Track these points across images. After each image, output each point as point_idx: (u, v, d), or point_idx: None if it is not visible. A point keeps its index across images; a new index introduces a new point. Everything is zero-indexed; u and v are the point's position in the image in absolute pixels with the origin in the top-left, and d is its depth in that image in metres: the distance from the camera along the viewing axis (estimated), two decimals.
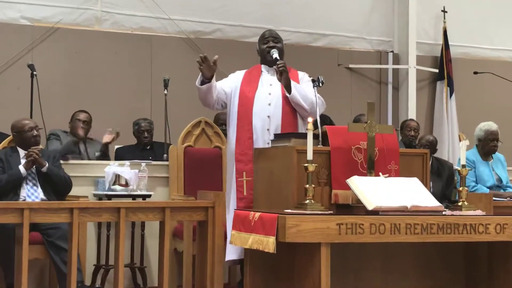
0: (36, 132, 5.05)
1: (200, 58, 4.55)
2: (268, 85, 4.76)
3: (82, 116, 6.27)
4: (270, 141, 4.51)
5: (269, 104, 4.69)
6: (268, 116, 4.66)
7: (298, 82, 4.75)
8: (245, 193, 4.57)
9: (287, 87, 4.64)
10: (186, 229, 4.90)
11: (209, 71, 4.57)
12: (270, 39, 4.82)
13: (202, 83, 4.63)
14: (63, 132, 6.20)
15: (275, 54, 4.71)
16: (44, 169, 4.94)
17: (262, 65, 4.86)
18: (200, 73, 4.60)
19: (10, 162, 4.97)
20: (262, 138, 4.63)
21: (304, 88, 4.70)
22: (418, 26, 8.66)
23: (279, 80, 4.63)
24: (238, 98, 4.73)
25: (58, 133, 6.13)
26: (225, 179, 5.16)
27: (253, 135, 4.63)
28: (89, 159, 6.03)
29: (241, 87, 4.75)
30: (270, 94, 4.72)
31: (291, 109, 4.68)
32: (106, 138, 6.18)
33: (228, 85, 4.80)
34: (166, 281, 4.34)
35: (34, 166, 4.95)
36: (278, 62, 4.62)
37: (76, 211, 4.15)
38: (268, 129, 4.64)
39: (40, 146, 5.05)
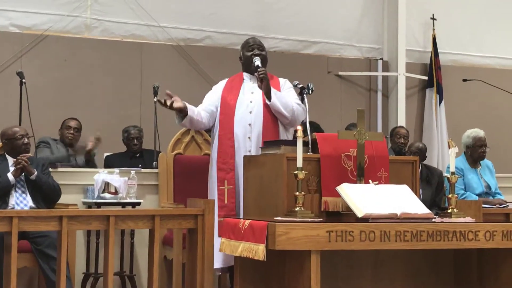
0: (26, 140, 5.05)
1: (159, 102, 4.53)
2: (250, 93, 4.77)
3: (73, 123, 6.25)
4: (257, 148, 4.51)
5: (250, 112, 4.70)
6: (250, 124, 4.68)
7: (279, 89, 4.76)
8: (226, 202, 4.57)
9: (267, 94, 4.64)
10: (176, 236, 4.88)
11: (177, 104, 4.56)
12: (255, 46, 4.84)
13: (182, 117, 4.65)
14: (53, 139, 6.18)
15: (257, 61, 4.72)
16: (32, 177, 4.91)
17: (244, 73, 4.87)
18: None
19: None
20: (244, 146, 4.63)
21: (284, 96, 4.71)
22: (407, 34, 8.70)
23: (260, 87, 4.64)
24: (220, 106, 4.75)
25: (48, 140, 6.10)
26: None
27: (234, 143, 4.64)
28: (78, 166, 6.01)
29: (223, 95, 4.77)
30: (251, 102, 4.73)
31: (272, 117, 4.68)
32: (88, 145, 6.14)
33: (213, 101, 4.80)
34: None
35: (23, 174, 4.93)
36: (259, 70, 4.63)
37: (65, 219, 4.12)
38: (249, 137, 4.65)
39: (29, 154, 5.03)
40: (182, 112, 4.62)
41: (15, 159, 4.91)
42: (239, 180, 4.58)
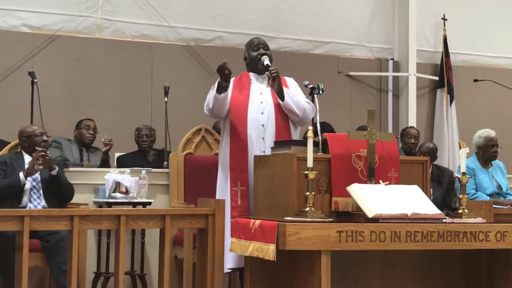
0: (45, 137, 5.10)
1: (224, 68, 4.48)
2: (259, 93, 4.74)
3: (91, 123, 6.28)
4: (270, 149, 4.51)
5: (262, 113, 4.67)
6: (262, 125, 4.65)
7: (283, 81, 4.74)
8: (239, 202, 4.55)
9: (279, 93, 4.63)
10: (186, 236, 4.90)
11: (229, 75, 4.54)
12: (260, 46, 4.81)
13: (219, 90, 4.57)
14: (66, 140, 6.20)
15: (266, 60, 4.70)
16: (54, 172, 4.94)
17: (251, 73, 4.82)
18: (218, 81, 4.54)
19: (14, 167, 4.98)
20: (258, 147, 4.60)
21: (295, 94, 4.70)
22: (418, 34, 8.68)
23: (272, 86, 4.63)
24: (230, 107, 4.69)
25: (60, 141, 6.12)
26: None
27: (247, 144, 4.61)
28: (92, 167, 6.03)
29: (233, 95, 4.70)
30: (262, 102, 4.70)
31: (283, 116, 4.67)
32: (103, 147, 6.18)
33: (228, 98, 4.74)
34: None
35: (38, 173, 4.93)
36: (270, 68, 4.61)
37: (76, 219, 4.14)
38: (263, 138, 4.62)
39: (48, 152, 5.05)
40: (226, 83, 4.55)
41: (33, 154, 4.91)
42: (252, 181, 4.57)
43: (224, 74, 4.51)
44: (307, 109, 4.67)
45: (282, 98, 4.63)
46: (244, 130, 4.64)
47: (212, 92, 4.62)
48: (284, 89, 4.65)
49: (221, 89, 4.57)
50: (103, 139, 6.09)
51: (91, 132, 6.23)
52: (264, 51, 4.79)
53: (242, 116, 4.66)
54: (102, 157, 6.09)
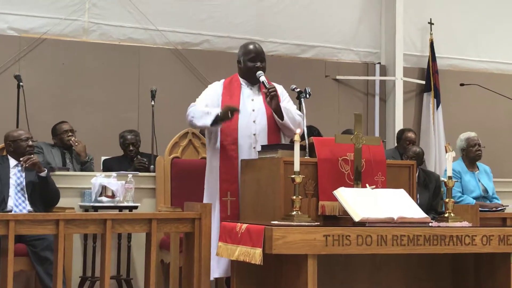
0: (31, 142, 5.09)
1: (231, 113, 4.47)
2: (250, 100, 4.70)
3: (67, 126, 6.21)
4: (257, 152, 4.49)
5: (254, 122, 4.64)
6: (254, 134, 4.62)
7: (279, 97, 4.70)
8: (229, 213, 4.50)
9: (277, 111, 4.59)
10: (173, 240, 4.88)
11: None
12: (257, 58, 4.69)
13: (214, 123, 4.53)
14: (47, 144, 6.15)
15: (262, 77, 4.62)
16: (43, 174, 4.93)
17: (241, 79, 4.76)
18: (217, 115, 4.49)
19: None
20: (249, 156, 4.54)
21: (290, 111, 4.66)
22: (405, 38, 8.71)
23: (269, 104, 4.57)
24: None
25: (41, 145, 6.07)
26: None
27: (238, 154, 4.57)
28: (75, 170, 6.00)
29: (223, 100, 4.65)
30: (254, 110, 4.67)
31: (275, 125, 4.64)
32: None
33: (215, 103, 4.67)
34: None
35: (22, 176, 4.92)
36: (268, 87, 4.54)
37: (62, 223, 4.12)
38: (254, 148, 4.58)
39: (33, 156, 5.03)
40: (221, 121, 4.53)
41: (19, 160, 4.92)
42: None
43: (227, 116, 4.46)
44: (301, 123, 4.61)
45: (280, 117, 4.59)
46: (235, 140, 4.59)
47: (205, 119, 4.53)
48: (282, 107, 4.59)
49: (217, 123, 4.53)
50: (71, 141, 6.07)
51: (70, 134, 6.18)
52: (260, 63, 4.68)
53: (233, 124, 4.60)
54: (75, 157, 6.06)
